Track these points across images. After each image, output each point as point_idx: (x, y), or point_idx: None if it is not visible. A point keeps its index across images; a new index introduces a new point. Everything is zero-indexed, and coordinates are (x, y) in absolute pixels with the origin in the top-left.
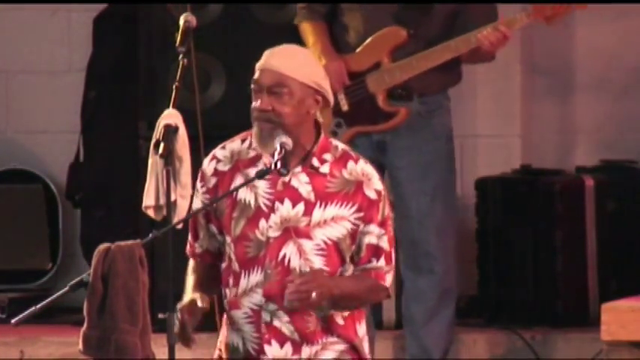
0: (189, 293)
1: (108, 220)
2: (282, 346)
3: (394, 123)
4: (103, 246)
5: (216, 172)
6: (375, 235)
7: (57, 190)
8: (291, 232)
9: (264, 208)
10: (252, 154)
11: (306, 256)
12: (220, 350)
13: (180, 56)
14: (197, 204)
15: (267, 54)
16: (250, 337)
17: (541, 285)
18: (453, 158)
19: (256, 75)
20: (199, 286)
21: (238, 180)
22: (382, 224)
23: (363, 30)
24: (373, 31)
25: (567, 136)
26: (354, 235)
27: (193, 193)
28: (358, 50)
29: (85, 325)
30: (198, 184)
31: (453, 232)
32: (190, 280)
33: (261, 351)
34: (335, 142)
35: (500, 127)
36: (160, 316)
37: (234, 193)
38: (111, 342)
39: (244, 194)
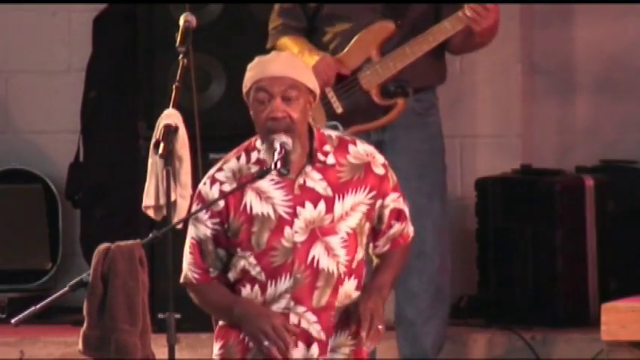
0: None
1: (108, 220)
2: (309, 347)
3: (393, 115)
4: (102, 246)
5: (223, 195)
6: (393, 201)
7: (57, 190)
8: (317, 232)
9: (285, 216)
10: (254, 168)
11: (333, 252)
12: None
13: (180, 56)
14: (202, 230)
15: (262, 63)
16: None
17: (541, 285)
18: (444, 157)
19: (261, 84)
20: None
21: (250, 196)
22: (395, 189)
23: (347, 33)
24: (358, 31)
25: (567, 136)
26: (370, 213)
27: (193, 194)
28: (345, 50)
29: (85, 325)
30: (201, 213)
31: (447, 231)
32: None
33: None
34: (326, 131)
35: (500, 127)
36: (160, 316)
37: (248, 208)
38: (111, 342)
39: (260, 208)
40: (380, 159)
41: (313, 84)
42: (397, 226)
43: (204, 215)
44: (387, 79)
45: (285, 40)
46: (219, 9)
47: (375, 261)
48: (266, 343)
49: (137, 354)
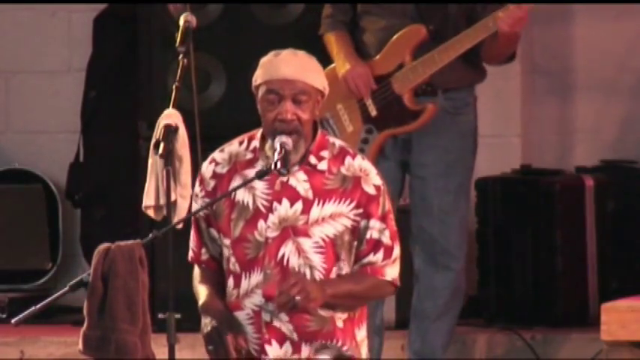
0: (208, 307)
1: (108, 220)
2: (281, 345)
3: (423, 120)
4: (103, 246)
5: (214, 175)
6: (376, 230)
7: (57, 189)
8: (289, 231)
9: (262, 209)
10: (249, 155)
11: (305, 255)
12: None
13: (180, 56)
14: (197, 208)
15: (275, 63)
16: (251, 337)
17: (541, 285)
18: (475, 156)
19: (272, 86)
20: (214, 295)
21: (236, 182)
22: (383, 219)
23: (381, 32)
24: (392, 31)
25: (567, 136)
26: (355, 231)
27: (193, 194)
28: (380, 54)
29: (85, 325)
30: (197, 188)
31: (468, 231)
32: (203, 289)
33: (263, 351)
34: (332, 138)
35: (500, 127)
36: (160, 316)
37: (233, 194)
38: (111, 342)
39: (242, 196)
40: (375, 180)
41: (322, 84)
42: (372, 258)
43: (200, 192)
44: (419, 84)
45: (330, 37)
46: (219, 9)
47: None
48: (210, 347)
49: (137, 354)
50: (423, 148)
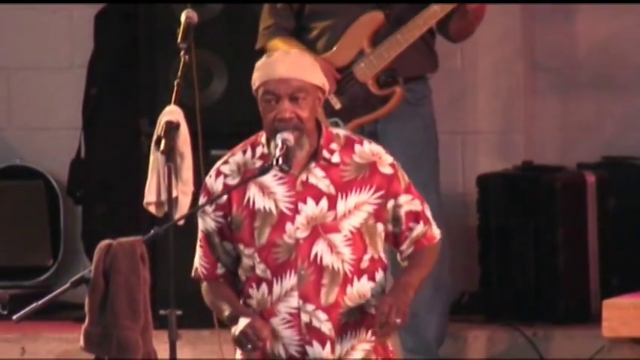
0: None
1: (109, 216)
2: (323, 345)
3: (392, 104)
4: (104, 242)
5: (226, 188)
6: (407, 203)
7: (58, 186)
8: (319, 229)
9: (287, 211)
10: (258, 163)
11: (337, 250)
12: None
13: (182, 53)
14: (208, 223)
15: (269, 64)
16: (291, 341)
17: (542, 281)
18: (438, 149)
19: (269, 86)
20: (242, 305)
21: (253, 191)
22: (407, 190)
23: (337, 28)
24: (346, 26)
25: (569, 132)
26: (380, 214)
27: (194, 191)
28: (337, 45)
29: (87, 321)
30: (203, 206)
31: (443, 223)
32: (227, 301)
33: (304, 352)
34: (335, 130)
35: (501, 123)
36: (162, 312)
37: (250, 203)
38: (112, 338)
39: (262, 203)
40: (387, 159)
41: (321, 80)
42: (418, 229)
43: (209, 208)
44: (382, 70)
45: (277, 42)
46: (220, 5)
47: (404, 265)
48: (249, 346)
49: (138, 351)
50: (389, 141)
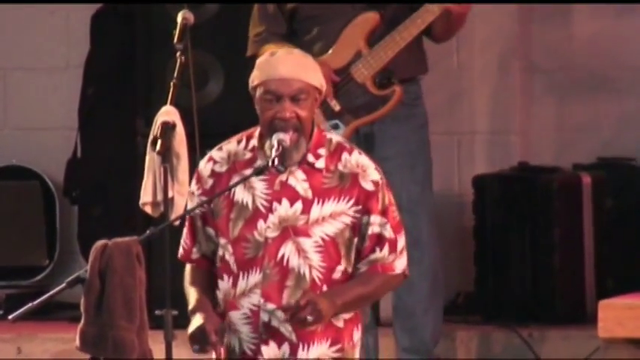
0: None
1: (105, 216)
2: (279, 346)
3: (393, 103)
4: (100, 242)
5: (213, 174)
6: (377, 225)
7: (54, 186)
8: (289, 231)
9: (261, 208)
10: (248, 155)
11: (305, 255)
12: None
13: (178, 53)
14: (193, 206)
15: (272, 63)
16: (247, 337)
17: (538, 282)
18: (430, 149)
19: (270, 86)
20: (204, 299)
21: (235, 181)
22: (383, 213)
23: (333, 30)
24: (341, 28)
25: (565, 133)
26: (356, 228)
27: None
28: (333, 48)
29: (82, 321)
30: (194, 186)
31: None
32: (193, 292)
33: (258, 351)
34: (329, 135)
35: (498, 124)
36: (157, 312)
37: (232, 194)
38: (108, 338)
39: (242, 195)
40: (373, 176)
41: (320, 82)
42: (378, 254)
43: (197, 191)
44: (380, 70)
45: (269, 48)
46: (217, 6)
47: None
48: (196, 347)
49: (134, 351)
50: (385, 141)
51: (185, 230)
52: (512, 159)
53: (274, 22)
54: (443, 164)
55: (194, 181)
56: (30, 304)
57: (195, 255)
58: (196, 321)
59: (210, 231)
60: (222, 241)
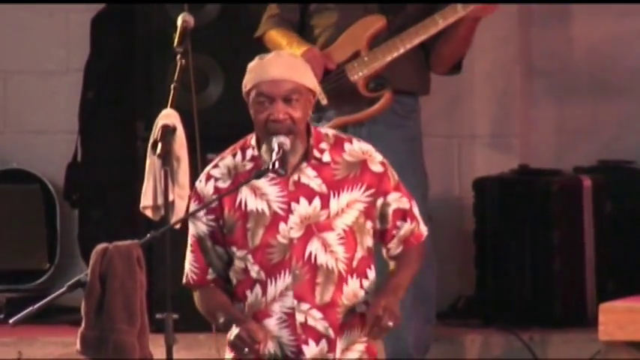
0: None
1: (106, 220)
2: (317, 343)
3: (380, 107)
4: (100, 246)
5: (217, 191)
6: (395, 201)
7: (55, 190)
8: (313, 228)
9: (280, 212)
10: (249, 165)
11: (330, 249)
12: None
13: (178, 56)
14: (200, 228)
15: (262, 66)
16: (287, 341)
17: (539, 285)
18: (424, 162)
19: (262, 88)
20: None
21: (245, 193)
22: (396, 188)
23: (336, 28)
24: (346, 26)
25: (565, 136)
26: (369, 212)
27: (191, 194)
28: (335, 43)
29: (83, 325)
30: (196, 208)
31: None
32: (223, 305)
33: (300, 352)
34: (322, 129)
35: (498, 127)
36: (158, 316)
37: (243, 205)
38: (109, 342)
39: (255, 204)
40: (377, 157)
41: (312, 83)
42: (406, 227)
43: (200, 212)
44: (374, 72)
45: (274, 33)
46: (217, 9)
47: (391, 264)
48: (245, 349)
49: (135, 354)
50: (373, 144)
51: (191, 256)
52: (513, 162)
53: (289, 8)
54: (443, 167)
55: (194, 203)
56: (31, 308)
57: (211, 276)
58: (237, 324)
59: (220, 249)
60: (240, 253)
